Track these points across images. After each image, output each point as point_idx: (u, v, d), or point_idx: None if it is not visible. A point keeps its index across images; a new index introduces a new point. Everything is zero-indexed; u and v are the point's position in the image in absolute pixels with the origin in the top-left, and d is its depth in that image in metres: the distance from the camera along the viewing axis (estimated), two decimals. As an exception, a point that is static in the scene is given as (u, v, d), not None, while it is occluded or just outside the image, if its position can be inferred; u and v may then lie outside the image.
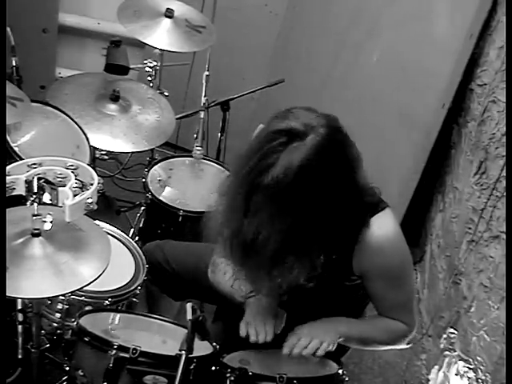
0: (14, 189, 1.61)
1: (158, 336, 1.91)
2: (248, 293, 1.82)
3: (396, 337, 1.91)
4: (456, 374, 2.44)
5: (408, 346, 1.98)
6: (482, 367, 2.26)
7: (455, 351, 2.50)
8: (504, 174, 2.33)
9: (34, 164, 1.66)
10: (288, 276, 1.59)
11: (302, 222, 1.50)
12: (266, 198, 1.48)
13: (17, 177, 1.62)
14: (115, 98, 2.66)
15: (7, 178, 1.60)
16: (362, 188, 1.63)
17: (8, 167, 1.64)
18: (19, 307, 1.91)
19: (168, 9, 2.91)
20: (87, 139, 2.43)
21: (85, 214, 1.63)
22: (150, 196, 2.60)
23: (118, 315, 1.96)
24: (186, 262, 2.20)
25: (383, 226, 1.71)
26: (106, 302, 2.03)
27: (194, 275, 2.15)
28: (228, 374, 1.72)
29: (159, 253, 2.23)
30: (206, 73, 2.93)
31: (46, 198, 1.61)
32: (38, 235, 1.64)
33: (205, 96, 2.91)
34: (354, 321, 1.88)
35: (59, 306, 2.07)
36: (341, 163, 1.53)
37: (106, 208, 2.92)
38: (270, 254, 1.52)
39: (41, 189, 1.61)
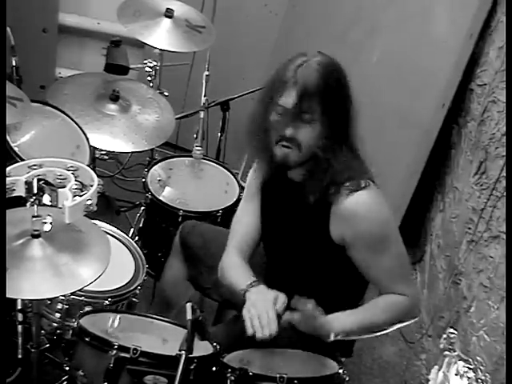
0: (14, 190, 1.61)
1: (159, 335, 1.91)
2: (249, 283, 1.83)
3: (398, 312, 1.87)
4: (456, 374, 2.44)
5: (417, 319, 1.92)
6: (481, 367, 2.26)
7: (455, 351, 2.50)
8: (504, 174, 2.33)
9: (34, 165, 1.66)
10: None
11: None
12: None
13: (17, 178, 1.61)
14: (115, 97, 2.66)
15: (7, 179, 1.60)
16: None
17: (8, 168, 1.64)
18: (19, 307, 1.91)
19: (168, 9, 2.91)
20: (87, 139, 2.43)
21: (85, 215, 1.63)
22: (149, 196, 2.60)
23: (119, 315, 1.96)
24: (210, 247, 2.20)
25: (358, 195, 1.76)
26: (106, 301, 2.04)
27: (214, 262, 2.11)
28: (228, 374, 1.72)
29: (197, 235, 2.25)
30: (206, 73, 2.93)
31: (46, 199, 1.61)
32: (37, 236, 1.64)
33: (205, 96, 2.92)
34: (349, 313, 1.84)
35: (59, 306, 2.07)
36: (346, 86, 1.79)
37: (106, 208, 2.92)
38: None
39: (41, 190, 1.61)
